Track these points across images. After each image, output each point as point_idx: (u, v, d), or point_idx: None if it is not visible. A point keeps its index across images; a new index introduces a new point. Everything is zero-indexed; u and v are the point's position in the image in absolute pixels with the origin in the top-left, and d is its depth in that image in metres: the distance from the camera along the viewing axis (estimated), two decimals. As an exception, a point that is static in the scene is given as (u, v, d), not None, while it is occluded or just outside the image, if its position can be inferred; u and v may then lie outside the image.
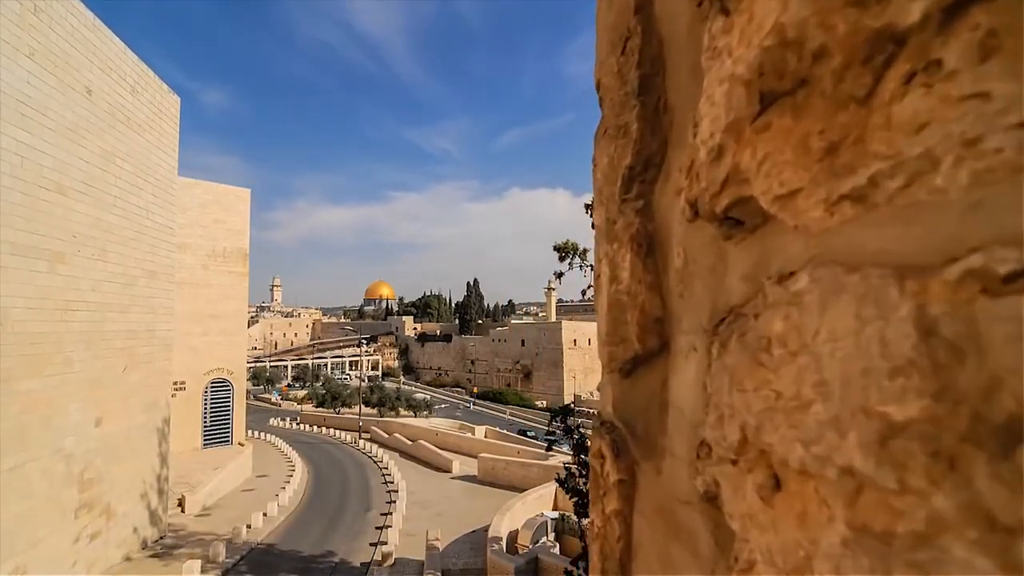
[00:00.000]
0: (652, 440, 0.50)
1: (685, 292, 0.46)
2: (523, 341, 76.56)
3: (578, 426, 9.44)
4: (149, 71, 15.09)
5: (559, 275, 8.73)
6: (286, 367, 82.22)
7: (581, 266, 8.63)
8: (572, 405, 9.59)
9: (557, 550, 13.17)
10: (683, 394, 0.47)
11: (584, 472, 8.82)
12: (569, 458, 12.86)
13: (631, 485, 0.53)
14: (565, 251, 8.40)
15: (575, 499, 8.77)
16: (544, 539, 14.03)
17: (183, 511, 17.71)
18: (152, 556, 14.23)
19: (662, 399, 0.50)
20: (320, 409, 50.62)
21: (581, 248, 8.58)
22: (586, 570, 7.87)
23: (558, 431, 9.19)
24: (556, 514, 14.96)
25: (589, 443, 0.62)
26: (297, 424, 42.70)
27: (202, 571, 12.73)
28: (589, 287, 8.87)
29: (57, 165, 11.28)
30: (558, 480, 9.04)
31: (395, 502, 19.43)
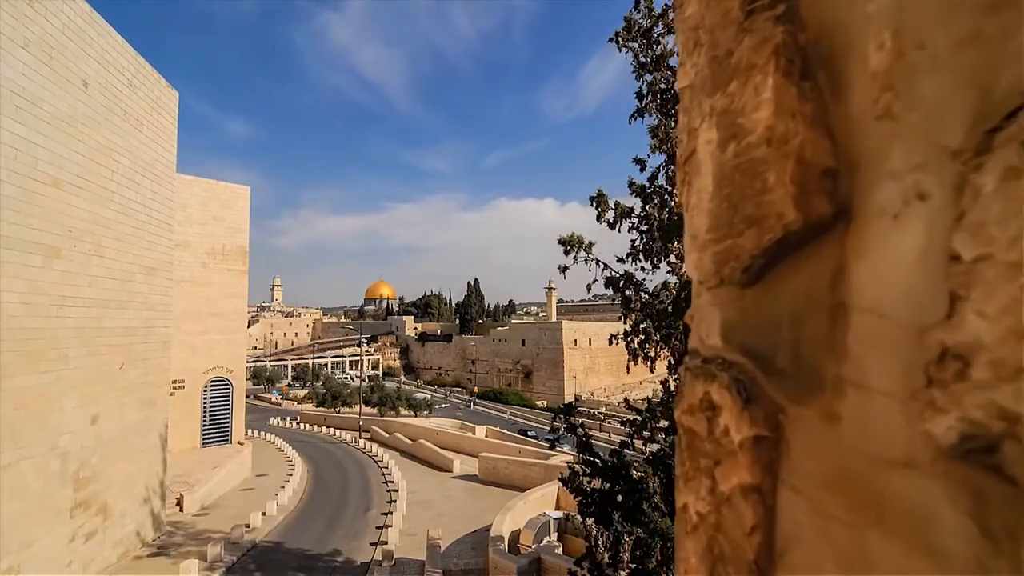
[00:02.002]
0: (813, 371, 0.32)
1: (898, 104, 0.27)
2: (524, 341, 76.39)
3: (581, 424, 9.23)
4: (147, 65, 14.91)
5: (564, 269, 8.53)
6: (286, 366, 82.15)
7: (587, 260, 8.43)
8: (575, 403, 9.38)
9: (560, 550, 12.97)
10: (888, 283, 0.28)
11: (588, 471, 8.63)
12: (571, 457, 12.67)
13: (772, 445, 0.34)
14: (570, 244, 8.20)
15: (579, 498, 8.57)
16: (547, 539, 13.83)
17: (181, 510, 17.52)
18: (150, 555, 14.04)
19: (834, 301, 0.31)
20: (320, 408, 50.50)
21: (586, 242, 8.38)
22: (590, 571, 7.67)
23: (561, 429, 8.98)
24: (559, 514, 14.76)
25: (680, 392, 0.41)
26: (297, 423, 42.54)
27: (200, 570, 12.53)
28: (595, 282, 8.68)
29: (53, 158, 11.10)
30: (561, 479, 8.84)
31: (395, 501, 19.24)
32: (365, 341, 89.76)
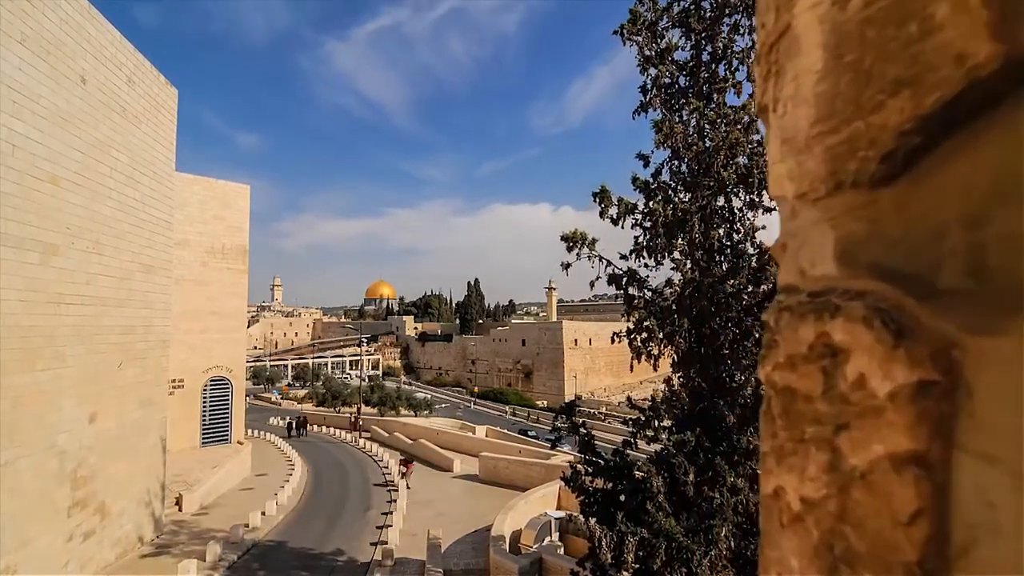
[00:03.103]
0: (1009, 286, 0.23)
1: None
2: (524, 341, 76.29)
3: (583, 423, 9.13)
4: (146, 62, 14.82)
5: (566, 266, 8.41)
6: (286, 366, 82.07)
7: (589, 256, 8.32)
8: (577, 402, 9.27)
9: (562, 551, 12.87)
10: None
11: (590, 470, 8.53)
12: (571, 457, 12.54)
13: (944, 395, 0.24)
14: (573, 241, 8.09)
15: (581, 498, 8.46)
16: (548, 539, 13.72)
17: (180, 510, 17.42)
18: (148, 555, 13.94)
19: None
20: (320, 408, 50.42)
21: (589, 238, 8.27)
22: (593, 571, 7.57)
23: (563, 428, 8.88)
24: (560, 514, 14.65)
25: (770, 344, 0.30)
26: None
27: (199, 570, 12.43)
28: (598, 278, 8.57)
29: (50, 155, 11.00)
30: (563, 478, 8.74)
31: (395, 501, 19.13)
32: (365, 341, 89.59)
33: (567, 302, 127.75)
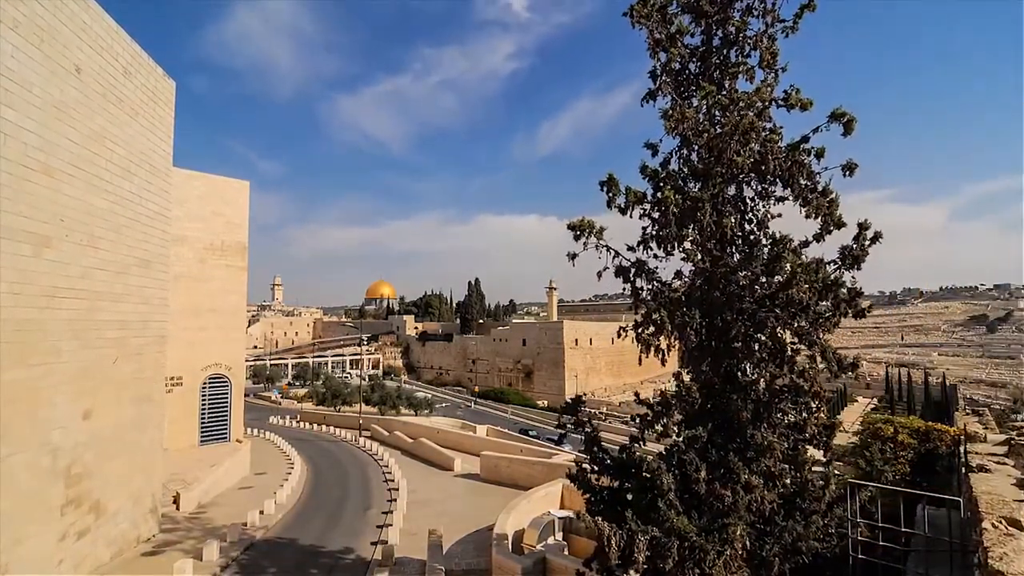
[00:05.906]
0: None
1: None
2: (524, 340, 76.15)
3: (588, 420, 8.86)
4: (143, 53, 14.57)
5: (572, 256, 8.13)
6: (287, 365, 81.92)
7: (597, 247, 8.04)
8: (581, 399, 9.03)
9: (566, 550, 12.61)
10: None
11: (597, 468, 8.27)
12: (573, 456, 12.33)
13: None
14: (580, 229, 7.80)
15: (587, 496, 8.21)
16: (551, 538, 13.46)
17: (178, 508, 17.18)
18: (144, 554, 13.69)
19: None
20: (320, 407, 50.20)
21: (597, 227, 7.98)
22: (599, 571, 7.32)
23: (568, 425, 8.62)
24: (565, 513, 14.39)
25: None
26: (297, 422, 42.20)
27: (195, 570, 12.18)
28: (605, 269, 8.29)
29: (44, 145, 10.77)
30: (569, 476, 8.48)
31: (396, 500, 18.88)
32: (366, 340, 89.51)
33: (568, 302, 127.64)
